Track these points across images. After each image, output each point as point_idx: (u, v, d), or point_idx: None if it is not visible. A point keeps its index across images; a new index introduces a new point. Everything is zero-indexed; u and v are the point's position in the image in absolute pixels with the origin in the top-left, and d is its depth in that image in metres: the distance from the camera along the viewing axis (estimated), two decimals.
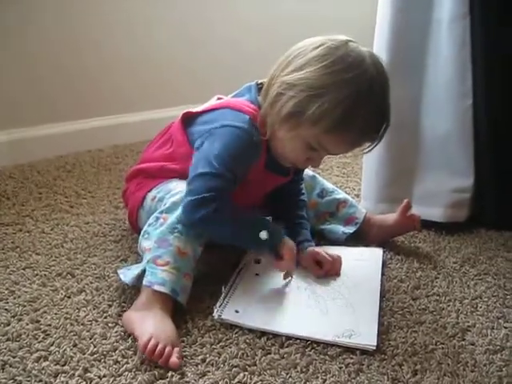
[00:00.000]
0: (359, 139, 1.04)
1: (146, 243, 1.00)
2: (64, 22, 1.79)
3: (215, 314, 0.96)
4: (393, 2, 1.25)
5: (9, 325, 0.93)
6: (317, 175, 1.32)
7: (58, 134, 1.85)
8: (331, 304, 1.02)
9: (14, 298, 1.00)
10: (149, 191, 1.12)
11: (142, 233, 1.03)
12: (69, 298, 1.01)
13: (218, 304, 0.98)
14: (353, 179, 1.65)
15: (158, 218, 1.01)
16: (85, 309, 0.97)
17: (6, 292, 1.02)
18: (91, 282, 1.06)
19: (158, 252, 0.96)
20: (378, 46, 1.29)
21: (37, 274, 1.09)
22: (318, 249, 1.13)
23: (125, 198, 1.24)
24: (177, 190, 1.05)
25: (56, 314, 0.96)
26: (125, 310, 0.97)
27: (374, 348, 0.90)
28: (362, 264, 1.15)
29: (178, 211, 1.00)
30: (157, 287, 0.92)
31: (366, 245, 1.23)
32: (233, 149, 1.02)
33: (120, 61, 1.89)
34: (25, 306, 0.98)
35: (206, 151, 1.03)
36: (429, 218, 1.32)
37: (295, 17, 2.20)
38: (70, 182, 1.59)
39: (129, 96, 1.94)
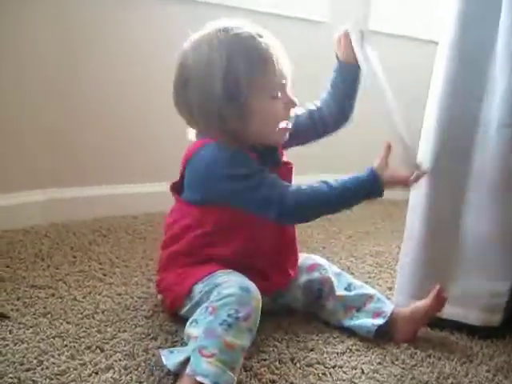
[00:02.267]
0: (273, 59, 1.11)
1: (193, 330, 1.00)
2: (101, 83, 1.84)
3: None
4: (440, 100, 1.27)
5: None
6: (343, 272, 1.32)
7: (92, 197, 1.89)
8: None
9: (42, 370, 0.99)
10: (196, 283, 1.12)
11: (190, 320, 1.04)
12: (96, 374, 1.00)
13: None
14: (386, 270, 1.64)
15: (207, 308, 1.01)
16: None
17: (35, 362, 1.01)
18: (120, 360, 1.05)
19: (204, 342, 0.95)
20: (425, 141, 1.30)
21: (66, 345, 1.08)
22: None
23: (161, 288, 1.25)
24: (225, 283, 1.05)
25: None
26: None
27: None
28: None
29: (228, 305, 0.99)
30: (199, 378, 0.91)
31: (397, 344, 1.21)
32: (229, 168, 1.10)
33: (160, 130, 1.94)
34: (52, 379, 0.97)
35: (215, 180, 1.11)
36: (462, 320, 1.29)
37: None
38: (105, 248, 1.61)
39: (163, 164, 1.98)
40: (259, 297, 1.04)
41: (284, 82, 1.14)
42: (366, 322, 1.22)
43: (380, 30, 2.48)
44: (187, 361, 0.95)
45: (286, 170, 1.22)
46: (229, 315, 0.98)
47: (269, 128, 1.15)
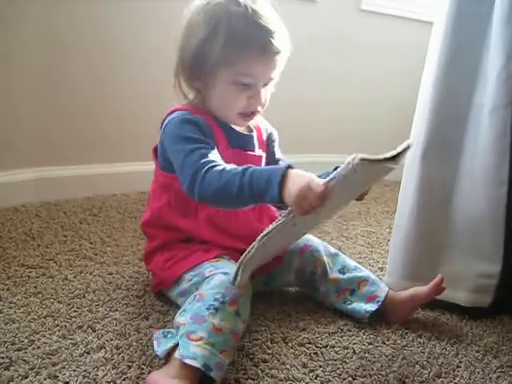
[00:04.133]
0: (258, 50, 1.09)
1: (180, 318, 0.99)
2: (91, 65, 1.83)
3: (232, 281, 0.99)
4: (434, 84, 1.27)
5: (26, 377, 0.91)
6: (339, 252, 1.30)
7: (84, 176, 1.88)
8: None
9: (33, 349, 0.99)
10: (184, 273, 1.13)
11: (179, 311, 1.03)
12: (88, 353, 1.00)
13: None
14: (377, 250, 1.64)
15: (195, 297, 1.02)
16: (103, 368, 0.96)
17: (26, 341, 1.01)
18: (111, 339, 1.05)
19: (192, 327, 0.95)
20: (418, 125, 1.30)
21: (57, 325, 1.08)
22: None
23: (149, 265, 1.25)
24: (213, 276, 1.05)
25: (74, 370, 0.94)
26: (144, 373, 0.95)
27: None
28: None
29: (215, 289, 1.00)
30: (188, 361, 0.90)
31: (388, 325, 1.22)
32: (178, 128, 1.10)
33: (151, 109, 1.92)
34: (43, 359, 0.96)
35: (169, 146, 1.11)
36: (452, 301, 1.30)
37: None
38: (96, 227, 1.60)
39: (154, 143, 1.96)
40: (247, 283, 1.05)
41: (258, 81, 1.12)
42: (358, 306, 1.21)
43: (376, 10, 2.48)
44: (176, 347, 0.95)
45: (252, 158, 1.20)
46: (215, 299, 0.98)
47: (225, 109, 1.16)
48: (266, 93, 1.16)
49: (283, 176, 0.91)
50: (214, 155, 1.05)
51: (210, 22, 1.09)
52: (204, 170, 1.00)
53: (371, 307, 1.21)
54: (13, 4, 1.60)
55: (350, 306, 1.22)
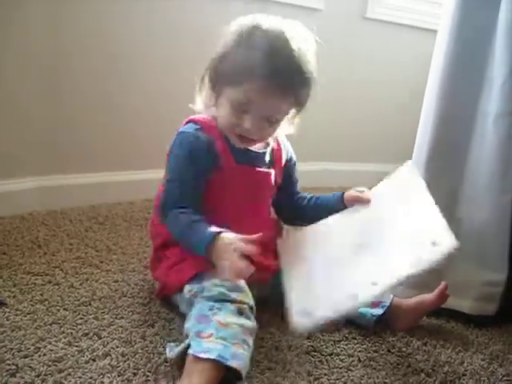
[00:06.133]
0: (263, 82, 1.07)
1: (188, 324, 1.02)
2: (97, 72, 1.84)
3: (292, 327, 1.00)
4: (439, 91, 1.27)
5: None
6: None
7: (90, 184, 1.89)
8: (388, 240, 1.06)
9: (40, 356, 1.00)
10: (187, 282, 1.13)
11: (186, 318, 1.05)
12: (94, 361, 1.00)
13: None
14: None
15: (198, 302, 1.05)
16: (109, 375, 0.96)
17: (32, 348, 1.02)
18: (117, 346, 1.05)
19: (199, 327, 0.98)
20: (422, 132, 1.30)
21: (63, 332, 1.08)
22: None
23: (153, 273, 1.27)
24: (211, 286, 1.07)
25: (80, 377, 0.95)
26: (149, 380, 0.96)
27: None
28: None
29: (216, 294, 1.03)
30: (203, 355, 0.91)
31: (394, 332, 1.22)
32: (177, 150, 1.15)
33: (158, 117, 1.94)
34: (49, 366, 0.97)
35: (168, 157, 1.17)
36: (457, 309, 1.30)
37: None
38: (102, 235, 1.61)
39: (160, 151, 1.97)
40: (245, 288, 1.07)
41: (255, 111, 1.11)
42: (365, 310, 1.22)
43: (380, 18, 2.48)
44: (187, 349, 0.96)
45: (260, 174, 1.22)
46: (215, 300, 1.02)
47: (225, 128, 1.16)
48: (268, 126, 1.15)
49: (209, 244, 1.03)
50: (187, 194, 1.13)
51: (235, 40, 1.10)
52: (172, 211, 1.12)
53: (377, 312, 1.21)
54: (17, 5, 1.62)
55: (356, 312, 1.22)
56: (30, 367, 0.96)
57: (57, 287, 1.26)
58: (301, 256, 1.17)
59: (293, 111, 1.18)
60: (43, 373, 0.95)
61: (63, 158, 1.83)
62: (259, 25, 1.09)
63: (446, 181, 1.29)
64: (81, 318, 1.14)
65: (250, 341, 1.00)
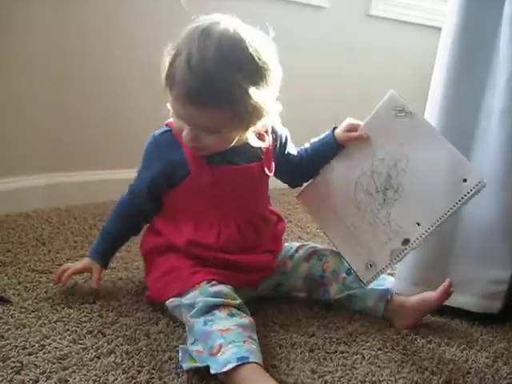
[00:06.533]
0: (179, 98, 1.05)
1: (194, 347, 1.00)
2: (101, 70, 1.84)
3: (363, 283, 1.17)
4: (443, 89, 1.26)
5: (37, 382, 0.92)
6: None
7: (94, 181, 1.89)
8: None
9: (44, 354, 1.00)
10: (173, 296, 1.14)
11: (188, 342, 1.04)
12: (98, 358, 1.00)
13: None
14: None
15: (188, 323, 1.06)
16: (114, 372, 0.96)
17: (37, 346, 1.02)
18: (121, 344, 1.05)
19: (208, 345, 0.97)
20: None
21: (68, 330, 1.09)
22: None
23: (146, 277, 1.27)
24: (191, 299, 1.08)
25: (85, 375, 0.95)
26: (153, 378, 0.96)
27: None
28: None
29: (203, 309, 1.04)
30: (225, 369, 0.91)
31: (398, 330, 1.22)
32: (146, 148, 1.21)
33: (163, 116, 1.93)
34: (54, 363, 0.97)
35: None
36: (461, 307, 1.30)
37: None
38: None
39: None
40: (229, 293, 1.08)
41: (184, 121, 1.08)
42: (368, 296, 1.24)
43: (384, 15, 2.48)
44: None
45: (241, 171, 1.18)
46: (204, 313, 1.02)
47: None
48: (213, 138, 1.09)
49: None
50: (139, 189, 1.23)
51: (177, 47, 1.06)
52: (126, 198, 1.27)
53: (380, 307, 1.23)
54: (21, 5, 1.62)
55: (361, 292, 1.24)
56: (35, 365, 0.96)
57: (61, 285, 1.26)
58: (330, 211, 1.24)
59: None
60: (48, 370, 0.95)
61: (68, 155, 1.84)
62: (199, 31, 1.03)
63: None
64: (85, 316, 1.14)
65: (254, 335, 1.01)
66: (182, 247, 1.17)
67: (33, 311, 1.14)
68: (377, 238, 1.18)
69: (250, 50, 1.02)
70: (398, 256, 1.15)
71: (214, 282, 1.10)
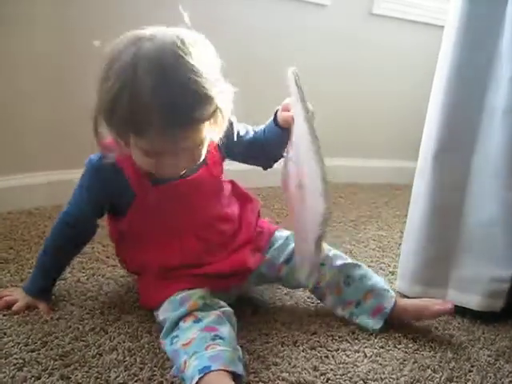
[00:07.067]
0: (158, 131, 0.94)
1: (175, 367, 0.99)
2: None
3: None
4: (446, 87, 1.26)
5: (39, 378, 0.92)
6: (345, 263, 1.23)
7: None
8: None
9: (46, 351, 1.00)
10: (158, 305, 1.12)
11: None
12: (100, 355, 1.00)
13: None
14: (388, 254, 1.64)
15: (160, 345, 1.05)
16: (116, 369, 0.97)
17: (39, 343, 1.02)
18: (123, 341, 1.05)
19: (177, 364, 0.96)
20: (429, 128, 1.30)
21: (70, 327, 1.09)
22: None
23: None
24: (162, 314, 1.08)
25: (87, 372, 0.95)
26: (155, 375, 0.96)
27: None
28: None
29: (167, 328, 1.04)
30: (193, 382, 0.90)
31: (400, 327, 1.22)
32: (80, 180, 1.18)
33: None
34: (56, 360, 0.97)
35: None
36: (464, 305, 1.30)
37: None
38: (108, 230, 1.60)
39: None
40: (194, 294, 1.07)
41: (168, 153, 1.00)
42: (365, 322, 1.20)
43: (387, 14, 2.48)
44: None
45: (186, 184, 1.11)
46: (172, 330, 1.03)
47: (141, 168, 1.06)
48: (190, 153, 1.03)
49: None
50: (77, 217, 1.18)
51: (119, 77, 0.95)
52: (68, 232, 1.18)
53: (377, 324, 1.19)
54: (22, 5, 1.62)
55: (356, 321, 1.21)
56: (37, 361, 0.97)
57: (63, 282, 1.26)
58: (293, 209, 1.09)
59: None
60: (50, 367, 0.95)
61: (70, 153, 1.83)
62: (139, 61, 0.95)
63: (453, 176, 1.29)
64: (87, 313, 1.15)
65: (225, 327, 1.00)
66: (154, 272, 1.14)
67: (35, 308, 1.14)
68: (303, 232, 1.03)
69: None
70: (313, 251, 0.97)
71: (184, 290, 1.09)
